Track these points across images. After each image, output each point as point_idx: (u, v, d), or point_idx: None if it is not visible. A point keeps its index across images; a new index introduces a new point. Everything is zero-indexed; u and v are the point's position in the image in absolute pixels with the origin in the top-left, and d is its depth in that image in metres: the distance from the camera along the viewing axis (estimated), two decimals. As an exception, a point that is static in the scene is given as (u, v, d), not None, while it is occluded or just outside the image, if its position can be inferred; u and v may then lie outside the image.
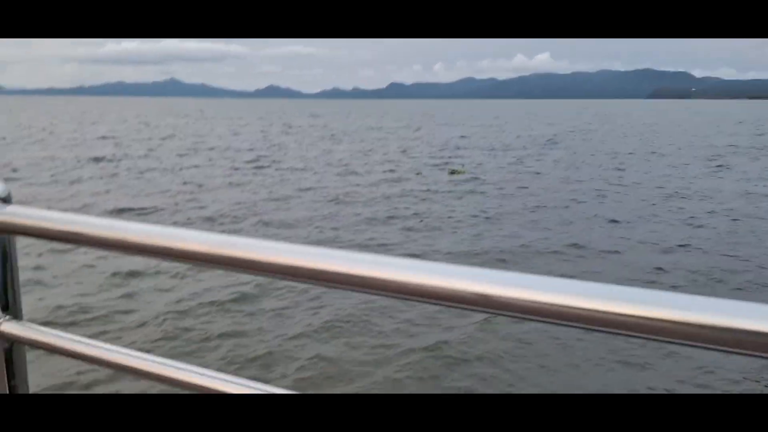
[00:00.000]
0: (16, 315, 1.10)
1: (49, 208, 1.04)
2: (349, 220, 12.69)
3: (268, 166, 21.78)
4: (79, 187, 16.56)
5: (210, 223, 12.35)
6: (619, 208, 13.95)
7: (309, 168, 21.54)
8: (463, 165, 22.86)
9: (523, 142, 34.47)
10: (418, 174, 20.26)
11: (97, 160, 22.93)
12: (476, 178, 19.14)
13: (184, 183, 17.41)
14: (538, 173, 20.52)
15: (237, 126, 51.77)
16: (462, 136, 39.50)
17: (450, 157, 25.76)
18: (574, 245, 10.41)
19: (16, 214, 1.02)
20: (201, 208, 13.77)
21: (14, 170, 19.74)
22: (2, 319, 1.07)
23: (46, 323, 1.14)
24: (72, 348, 1.02)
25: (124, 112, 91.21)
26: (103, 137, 34.93)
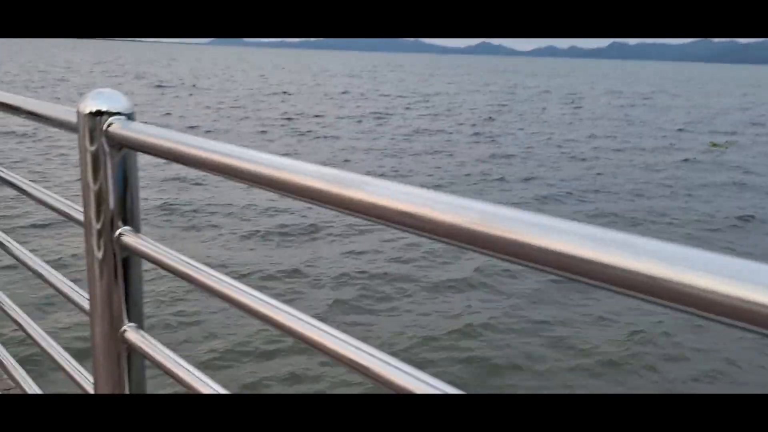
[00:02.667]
0: (135, 228, 1.15)
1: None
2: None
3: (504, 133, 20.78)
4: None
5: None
6: None
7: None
8: (726, 141, 20.51)
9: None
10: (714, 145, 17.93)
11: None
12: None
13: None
14: None
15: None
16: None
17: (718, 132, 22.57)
18: None
19: (138, 131, 1.06)
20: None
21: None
22: (122, 231, 1.13)
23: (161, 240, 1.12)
24: (181, 268, 1.03)
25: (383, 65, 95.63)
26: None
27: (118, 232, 1.14)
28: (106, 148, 1.10)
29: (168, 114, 22.00)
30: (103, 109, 1.10)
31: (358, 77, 54.03)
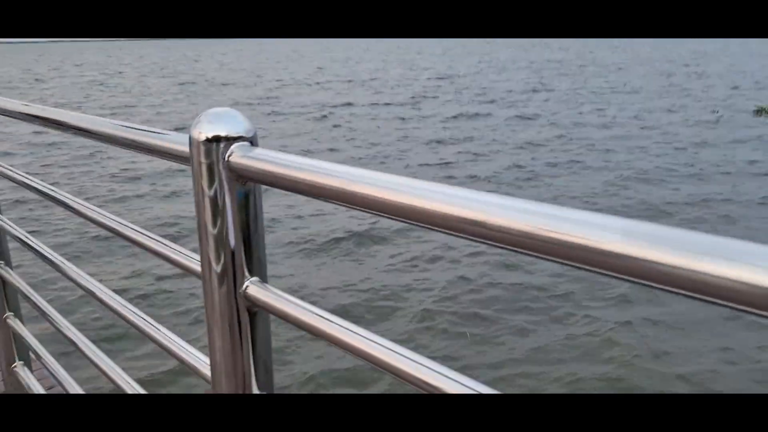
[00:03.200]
0: (262, 278, 0.99)
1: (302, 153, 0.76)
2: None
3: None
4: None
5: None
6: None
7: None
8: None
9: None
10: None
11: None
12: None
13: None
14: None
15: (496, 63, 50.14)
16: None
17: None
18: None
19: (265, 159, 0.86)
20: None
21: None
22: (248, 282, 0.96)
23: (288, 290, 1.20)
24: (322, 327, 0.87)
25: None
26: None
27: (244, 284, 0.96)
28: (227, 181, 0.91)
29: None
30: (222, 134, 0.90)
31: (386, 62, 53.44)
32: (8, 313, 2.21)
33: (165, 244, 1.22)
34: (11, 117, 1.68)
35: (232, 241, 0.93)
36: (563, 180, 11.25)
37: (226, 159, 0.90)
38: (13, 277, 2.10)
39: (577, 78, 32.90)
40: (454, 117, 19.19)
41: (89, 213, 1.48)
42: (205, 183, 0.92)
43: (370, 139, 15.89)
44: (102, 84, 34.87)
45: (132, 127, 1.20)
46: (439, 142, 15.16)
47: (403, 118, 19.16)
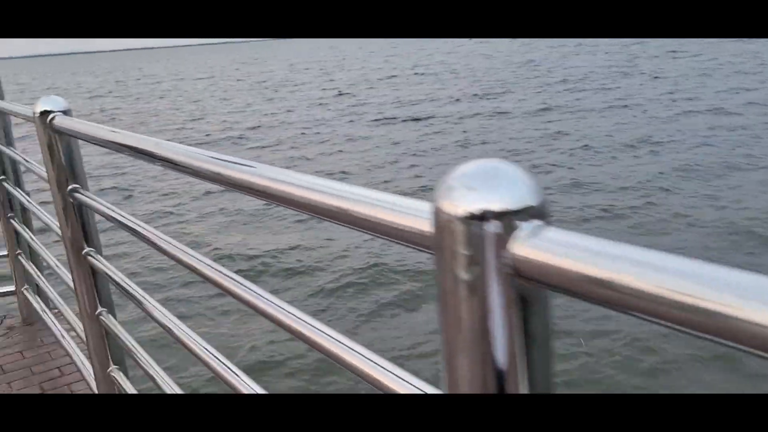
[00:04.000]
0: None
1: None
2: None
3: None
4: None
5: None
6: None
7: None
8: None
9: None
10: None
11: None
12: None
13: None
14: None
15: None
16: None
17: None
18: None
19: (571, 250, 0.54)
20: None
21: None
22: None
23: None
24: None
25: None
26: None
27: None
28: (502, 285, 0.58)
29: (283, 113, 21.54)
30: (493, 207, 0.56)
31: (430, 57, 52.52)
32: (113, 367, 2.08)
33: (382, 367, 0.83)
34: (107, 147, 1.50)
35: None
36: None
37: (501, 249, 0.57)
38: (117, 328, 1.96)
39: (661, 61, 31.07)
40: (545, 110, 18.15)
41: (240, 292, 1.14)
42: (461, 284, 0.59)
43: (468, 138, 15.07)
44: (176, 90, 35.40)
45: (316, 185, 0.82)
46: (540, 134, 14.27)
47: (502, 113, 18.15)
